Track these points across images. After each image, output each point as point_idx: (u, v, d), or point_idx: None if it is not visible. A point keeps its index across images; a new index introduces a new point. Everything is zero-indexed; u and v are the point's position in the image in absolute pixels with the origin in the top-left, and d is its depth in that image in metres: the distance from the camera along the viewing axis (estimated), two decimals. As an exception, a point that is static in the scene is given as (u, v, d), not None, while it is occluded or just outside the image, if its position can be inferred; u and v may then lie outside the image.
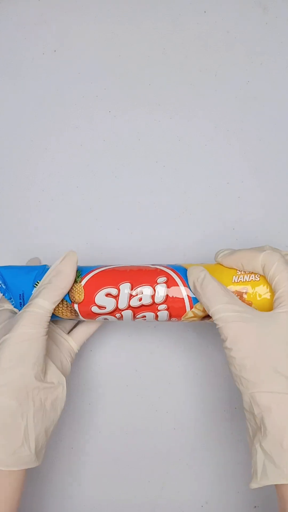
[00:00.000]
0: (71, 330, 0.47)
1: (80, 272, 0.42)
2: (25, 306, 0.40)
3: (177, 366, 0.51)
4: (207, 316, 0.41)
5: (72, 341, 0.46)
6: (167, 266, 0.42)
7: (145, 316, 0.41)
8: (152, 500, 0.49)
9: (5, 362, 0.38)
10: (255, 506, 0.49)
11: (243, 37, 0.55)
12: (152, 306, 0.41)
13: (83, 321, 0.47)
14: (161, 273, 0.41)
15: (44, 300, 0.39)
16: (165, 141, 0.54)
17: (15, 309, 0.43)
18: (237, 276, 0.40)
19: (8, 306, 0.44)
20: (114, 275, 0.42)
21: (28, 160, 0.54)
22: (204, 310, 0.40)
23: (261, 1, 0.55)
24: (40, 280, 0.42)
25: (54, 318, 0.43)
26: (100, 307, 0.41)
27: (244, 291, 0.39)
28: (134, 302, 0.41)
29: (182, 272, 0.41)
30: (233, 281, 0.40)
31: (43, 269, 0.43)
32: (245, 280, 0.40)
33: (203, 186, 0.53)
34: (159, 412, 0.51)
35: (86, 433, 0.51)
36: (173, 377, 0.51)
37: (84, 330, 0.46)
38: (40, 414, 0.39)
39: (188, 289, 0.40)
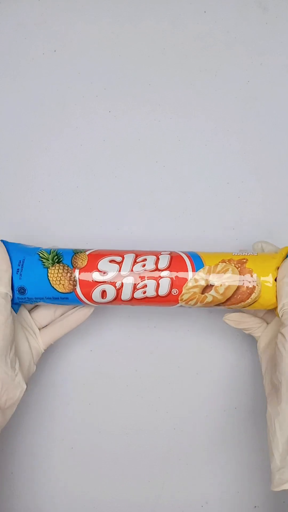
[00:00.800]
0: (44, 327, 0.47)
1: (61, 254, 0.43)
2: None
3: (177, 366, 0.51)
4: (207, 287, 0.41)
5: (40, 339, 0.45)
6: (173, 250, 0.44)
7: (146, 286, 0.41)
8: (152, 500, 0.49)
9: None
10: (255, 506, 0.49)
11: (243, 37, 0.55)
12: (155, 272, 0.41)
13: (59, 319, 0.46)
14: (165, 251, 0.43)
15: (42, 342, 0.42)
16: (165, 141, 0.54)
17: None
18: (236, 252, 0.44)
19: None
20: (119, 250, 0.43)
21: (28, 160, 0.54)
22: (205, 279, 0.41)
23: (261, 1, 0.55)
24: (44, 250, 0.43)
25: (48, 299, 0.43)
26: (102, 272, 0.41)
27: (244, 260, 0.42)
28: (137, 268, 0.41)
29: (187, 251, 0.43)
30: (233, 254, 0.43)
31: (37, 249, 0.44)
32: (244, 254, 0.43)
33: (203, 186, 0.53)
34: (159, 412, 0.51)
35: (86, 433, 0.51)
36: (173, 377, 0.51)
37: (57, 328, 0.46)
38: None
39: (191, 259, 0.42)
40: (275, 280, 0.41)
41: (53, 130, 0.54)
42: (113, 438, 0.50)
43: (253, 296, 0.41)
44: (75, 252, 0.43)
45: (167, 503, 0.49)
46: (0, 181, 0.54)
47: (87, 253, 0.43)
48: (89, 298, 0.42)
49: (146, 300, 0.42)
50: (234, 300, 0.42)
